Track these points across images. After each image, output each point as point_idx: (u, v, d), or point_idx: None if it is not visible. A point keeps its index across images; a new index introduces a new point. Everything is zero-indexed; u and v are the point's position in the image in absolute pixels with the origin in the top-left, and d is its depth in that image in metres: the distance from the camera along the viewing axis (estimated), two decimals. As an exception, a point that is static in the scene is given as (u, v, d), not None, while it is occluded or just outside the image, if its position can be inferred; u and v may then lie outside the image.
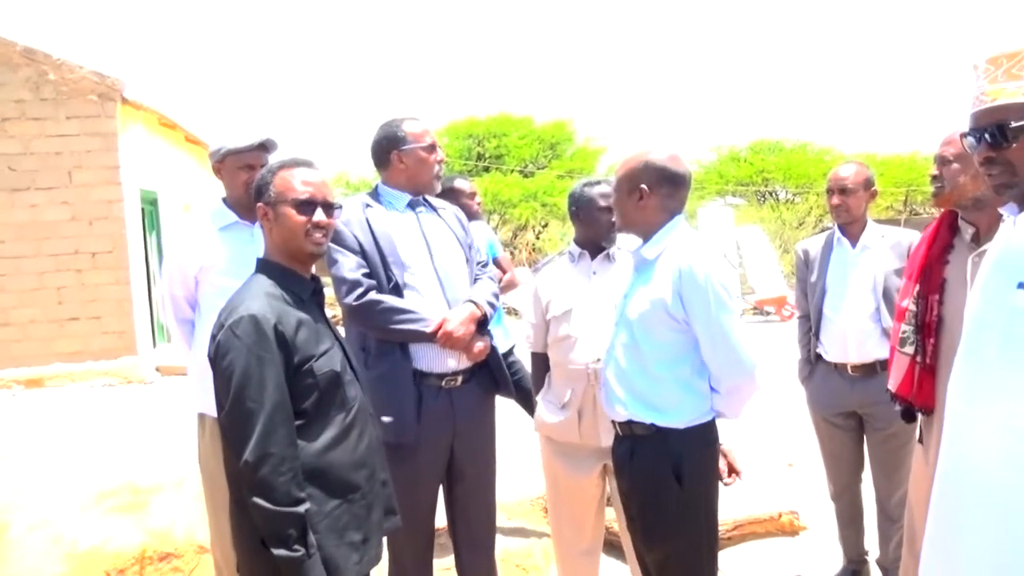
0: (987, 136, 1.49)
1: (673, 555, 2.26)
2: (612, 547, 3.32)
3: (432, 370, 2.64)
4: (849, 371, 3.25)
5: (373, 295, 2.58)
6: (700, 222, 16.43)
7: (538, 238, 20.88)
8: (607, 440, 2.54)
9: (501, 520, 3.11)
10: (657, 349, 2.23)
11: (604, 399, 2.40)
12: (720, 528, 2.45)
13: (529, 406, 3.75)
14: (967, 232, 2.41)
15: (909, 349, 2.46)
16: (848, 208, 3.23)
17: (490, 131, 24.10)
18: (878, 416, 3.15)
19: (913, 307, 2.47)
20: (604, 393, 2.39)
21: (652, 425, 2.23)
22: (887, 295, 3.12)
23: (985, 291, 1.53)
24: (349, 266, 2.59)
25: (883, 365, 2.83)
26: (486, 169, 23.17)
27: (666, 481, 2.20)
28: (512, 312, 6.56)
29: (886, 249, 3.21)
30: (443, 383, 2.66)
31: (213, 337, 1.92)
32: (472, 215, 3.96)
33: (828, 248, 3.35)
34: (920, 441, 2.52)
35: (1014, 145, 1.46)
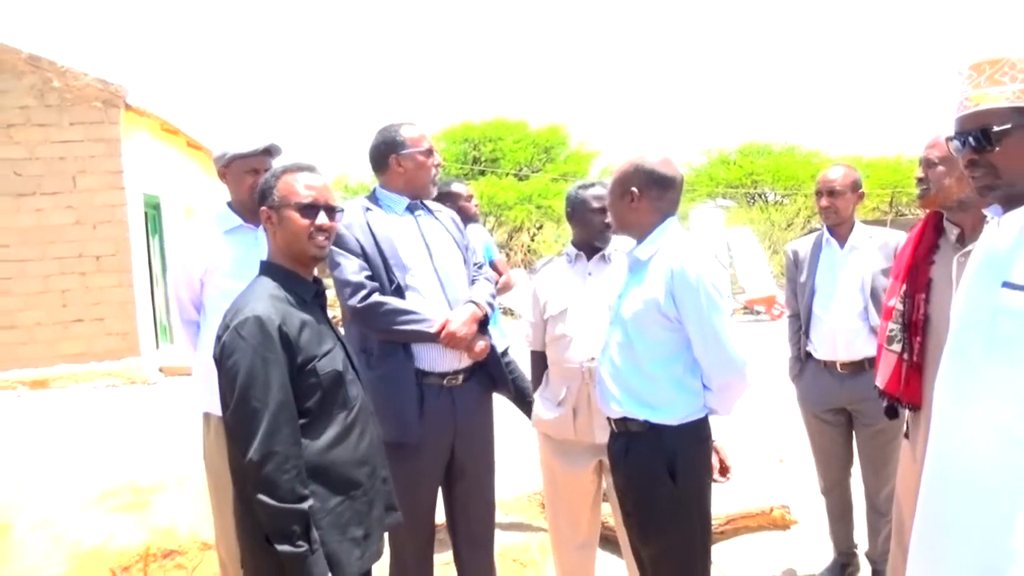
0: (971, 140, 1.53)
1: (667, 549, 2.28)
2: (608, 542, 3.35)
3: (434, 369, 2.67)
4: (838, 369, 3.28)
5: (377, 297, 2.60)
6: (691, 224, 16.47)
7: (533, 240, 20.94)
8: (601, 437, 2.57)
9: (499, 516, 3.13)
10: (651, 348, 2.27)
11: (599, 397, 2.43)
12: (713, 522, 2.46)
13: (524, 405, 3.80)
14: (952, 233, 2.44)
15: (896, 347, 2.49)
16: (836, 210, 3.27)
17: (486, 135, 24.14)
18: (867, 412, 3.17)
19: (900, 306, 2.50)
20: (599, 391, 2.42)
21: (646, 422, 2.26)
22: (875, 294, 3.15)
23: (970, 291, 1.56)
24: (352, 269, 2.62)
25: (871, 363, 2.86)
26: (482, 172, 23.20)
27: (660, 477, 2.23)
28: (508, 312, 6.60)
29: (873, 250, 3.24)
30: (444, 382, 2.69)
31: (218, 338, 1.94)
32: (469, 218, 3.99)
33: (817, 249, 3.38)
34: (907, 437, 2.55)
35: (997, 148, 1.50)
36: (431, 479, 2.74)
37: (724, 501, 3.62)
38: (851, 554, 3.50)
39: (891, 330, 2.52)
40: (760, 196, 26.54)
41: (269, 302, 1.94)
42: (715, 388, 2.28)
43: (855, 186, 3.29)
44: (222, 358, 1.91)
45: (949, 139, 1.61)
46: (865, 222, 3.48)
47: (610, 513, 2.95)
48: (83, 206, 8.94)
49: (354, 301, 2.60)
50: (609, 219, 2.57)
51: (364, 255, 2.65)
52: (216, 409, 2.32)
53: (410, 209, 2.82)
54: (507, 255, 18.18)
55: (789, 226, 22.26)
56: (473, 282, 2.89)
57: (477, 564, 2.87)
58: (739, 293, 14.77)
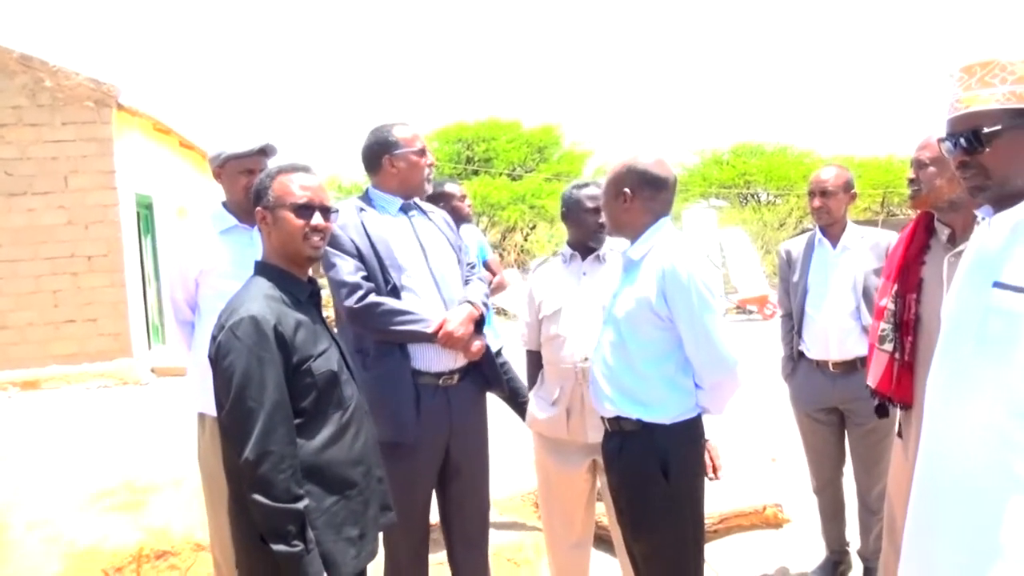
0: (962, 141, 1.53)
1: (660, 547, 2.29)
2: (602, 541, 3.36)
3: (430, 369, 2.67)
4: (830, 368, 3.30)
5: (373, 297, 2.60)
6: (684, 224, 16.57)
7: (526, 240, 20.99)
8: (594, 436, 2.58)
9: (493, 515, 3.13)
10: (643, 347, 2.28)
11: (593, 396, 2.44)
12: (706, 521, 2.48)
13: (517, 405, 3.80)
14: (943, 233, 2.46)
15: (888, 346, 2.51)
16: (829, 210, 3.28)
17: (479, 135, 24.22)
18: (859, 412, 3.19)
19: (892, 306, 2.52)
20: (593, 390, 2.43)
21: (639, 421, 2.28)
22: (867, 294, 3.17)
23: (961, 291, 1.57)
24: (348, 269, 2.62)
25: (863, 362, 2.87)
26: (475, 172, 23.26)
27: (653, 476, 2.25)
28: (502, 313, 6.63)
29: (865, 250, 3.26)
30: (440, 382, 2.69)
31: (214, 338, 1.94)
32: (462, 218, 3.99)
33: (809, 249, 3.40)
34: (899, 435, 2.57)
35: (987, 149, 1.50)
36: (426, 479, 2.74)
37: (717, 500, 3.64)
38: (843, 552, 3.52)
39: (883, 330, 2.54)
40: (753, 196, 26.72)
41: (264, 302, 1.94)
42: (706, 387, 2.29)
43: (847, 186, 3.31)
44: (218, 358, 1.91)
45: (940, 140, 1.62)
46: (857, 222, 3.50)
47: (604, 512, 2.96)
48: (75, 206, 8.92)
49: (351, 302, 2.60)
50: (603, 219, 2.58)
51: (360, 256, 2.65)
52: (211, 409, 2.31)
53: (404, 210, 2.82)
54: (500, 255, 18.22)
55: (781, 226, 22.42)
56: (467, 282, 2.89)
57: (471, 564, 2.87)
58: (732, 293, 14.88)
